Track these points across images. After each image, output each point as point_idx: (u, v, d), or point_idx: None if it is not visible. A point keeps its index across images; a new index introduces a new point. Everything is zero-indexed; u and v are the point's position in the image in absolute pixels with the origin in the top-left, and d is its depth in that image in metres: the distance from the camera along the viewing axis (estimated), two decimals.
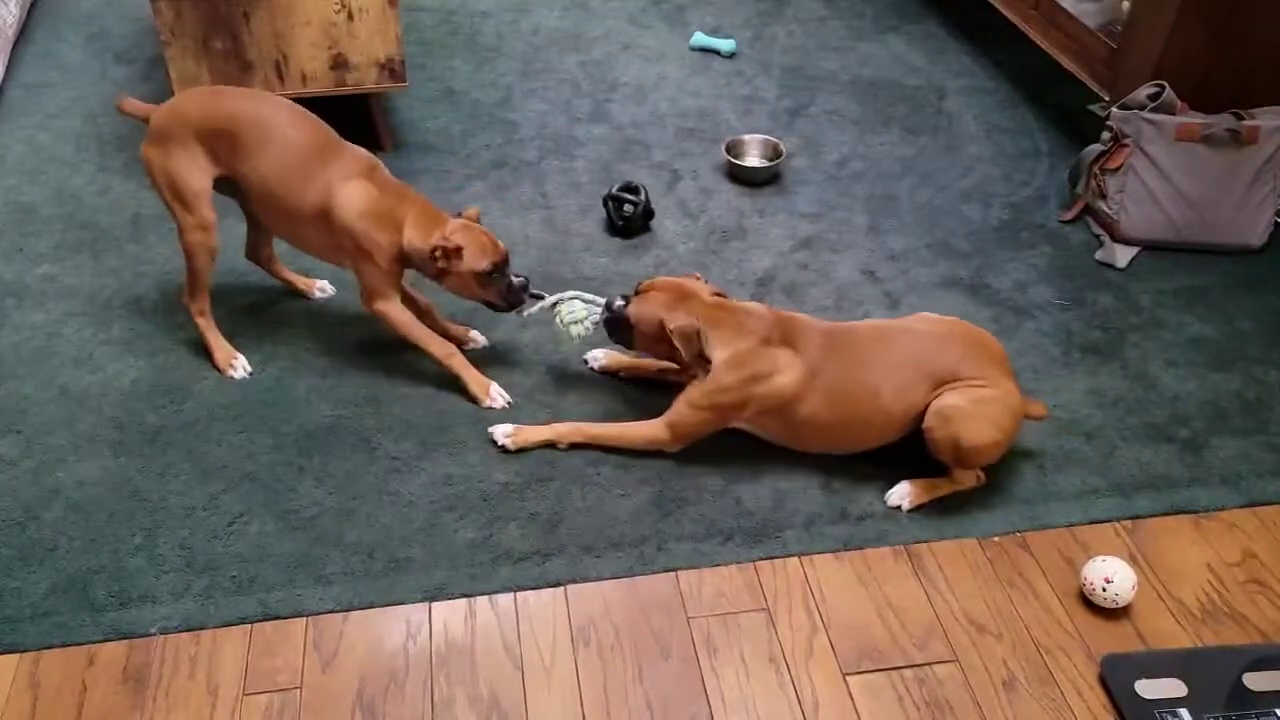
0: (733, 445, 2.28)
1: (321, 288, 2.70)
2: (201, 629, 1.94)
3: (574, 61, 3.78)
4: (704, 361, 2.20)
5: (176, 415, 2.35)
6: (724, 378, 2.18)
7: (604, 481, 2.23)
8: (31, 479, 2.20)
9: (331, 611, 1.97)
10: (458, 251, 2.25)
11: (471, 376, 2.39)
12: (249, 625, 1.95)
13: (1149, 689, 1.86)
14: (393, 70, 3.06)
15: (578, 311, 2.35)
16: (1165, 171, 2.88)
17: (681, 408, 2.23)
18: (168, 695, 1.84)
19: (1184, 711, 1.83)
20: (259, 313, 2.63)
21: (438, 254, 2.26)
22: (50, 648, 1.90)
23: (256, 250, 2.61)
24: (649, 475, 2.24)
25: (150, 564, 2.04)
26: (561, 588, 2.03)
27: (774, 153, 3.26)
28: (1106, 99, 3.09)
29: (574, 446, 2.28)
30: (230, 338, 2.50)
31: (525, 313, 2.38)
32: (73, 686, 1.85)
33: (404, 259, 2.33)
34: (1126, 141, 2.90)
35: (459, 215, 2.36)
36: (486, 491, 2.20)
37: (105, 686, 1.85)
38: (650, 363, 2.45)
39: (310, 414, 2.36)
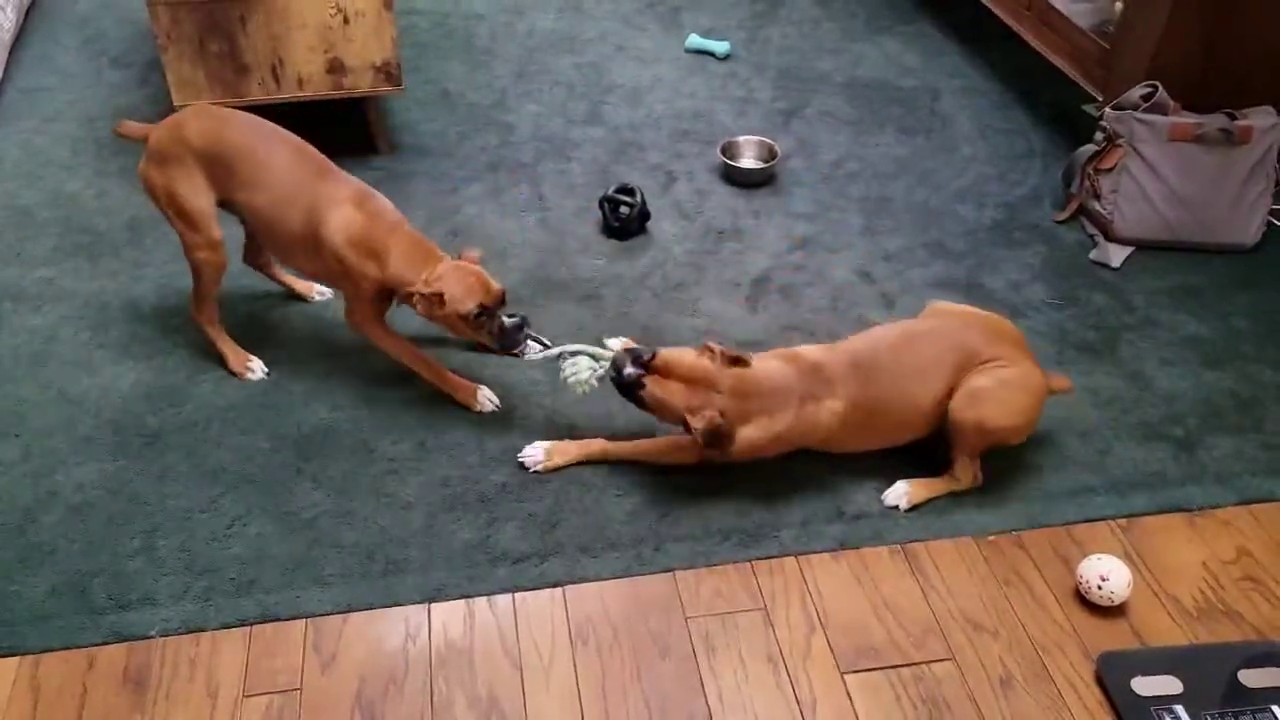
0: None
1: (320, 291, 2.70)
2: (201, 631, 1.94)
3: (569, 64, 3.78)
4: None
5: (175, 418, 2.35)
6: (760, 446, 2.15)
7: (601, 482, 2.23)
8: (30, 482, 2.20)
9: (331, 613, 1.98)
10: (439, 298, 2.18)
11: (458, 387, 2.39)
12: (248, 627, 1.95)
13: (1145, 686, 1.87)
14: (388, 73, 3.07)
15: (581, 371, 2.23)
16: (1159, 171, 2.89)
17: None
18: (168, 697, 1.85)
19: (1180, 708, 1.84)
20: (256, 316, 2.63)
21: (414, 299, 2.21)
22: (50, 650, 1.91)
23: (255, 255, 2.61)
24: (646, 476, 2.25)
25: (149, 566, 2.04)
26: (560, 588, 2.04)
27: (769, 154, 3.27)
28: (1100, 99, 3.10)
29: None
30: None
31: (526, 356, 2.32)
32: (73, 689, 1.85)
33: (387, 291, 2.29)
34: (1120, 141, 2.91)
35: (459, 256, 2.28)
36: (484, 493, 2.20)
37: (105, 689, 1.86)
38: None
39: (308, 416, 2.37)
